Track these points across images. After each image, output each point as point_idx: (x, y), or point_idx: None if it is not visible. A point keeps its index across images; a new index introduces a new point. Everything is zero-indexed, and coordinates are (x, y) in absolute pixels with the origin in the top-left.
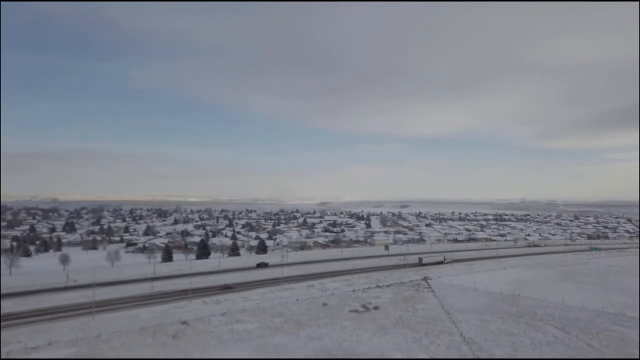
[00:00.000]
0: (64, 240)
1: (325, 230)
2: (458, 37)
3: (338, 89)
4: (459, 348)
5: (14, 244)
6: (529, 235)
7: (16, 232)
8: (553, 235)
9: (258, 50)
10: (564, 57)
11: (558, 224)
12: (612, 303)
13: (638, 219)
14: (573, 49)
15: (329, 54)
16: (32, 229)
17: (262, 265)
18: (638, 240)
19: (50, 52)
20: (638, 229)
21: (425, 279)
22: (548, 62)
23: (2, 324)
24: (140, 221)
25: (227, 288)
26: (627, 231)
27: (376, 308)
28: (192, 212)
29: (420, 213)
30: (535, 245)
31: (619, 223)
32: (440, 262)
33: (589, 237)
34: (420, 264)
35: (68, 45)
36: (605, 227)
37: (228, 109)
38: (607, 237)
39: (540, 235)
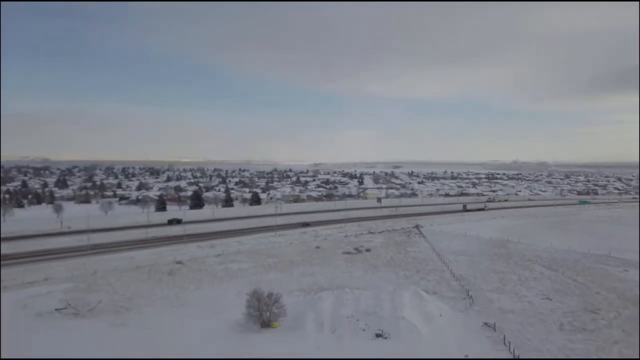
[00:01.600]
0: (56, 195)
1: (318, 187)
2: (456, 3)
3: (334, 52)
4: (449, 283)
5: (7, 196)
6: (519, 191)
7: (8, 187)
8: (544, 192)
9: (255, 14)
10: (560, 23)
11: (549, 182)
12: (599, 247)
13: (628, 178)
14: (570, 15)
15: (326, 19)
16: (24, 184)
17: (173, 222)
18: (627, 196)
19: (44, 14)
20: (627, 186)
21: (416, 226)
22: (544, 27)
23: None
24: (133, 178)
25: (305, 225)
26: (616, 188)
27: (368, 250)
28: (185, 170)
29: (412, 172)
30: (492, 201)
31: (608, 181)
32: (482, 209)
33: (579, 193)
34: (464, 209)
35: (64, 5)
36: (596, 185)
37: (221, 71)
38: (596, 194)
39: (531, 191)
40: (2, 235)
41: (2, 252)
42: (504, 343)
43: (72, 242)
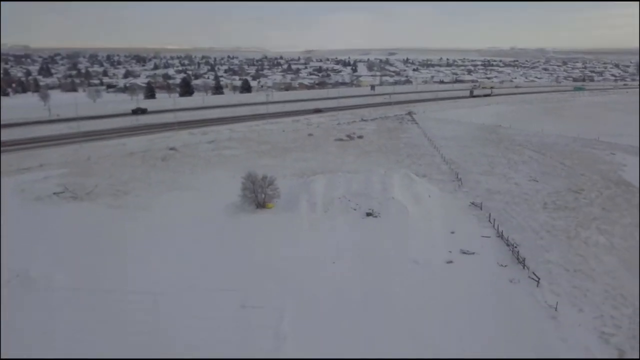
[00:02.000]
0: (41, 83)
1: (311, 74)
2: None
3: None
4: (439, 167)
5: None
6: (515, 78)
7: None
8: (539, 78)
9: None
10: None
11: (545, 69)
12: (590, 132)
13: (626, 64)
14: None
15: None
16: (6, 72)
17: (138, 112)
18: (622, 83)
19: None
20: (623, 73)
21: (409, 113)
22: None
23: None
24: (119, 66)
25: (318, 111)
26: (612, 75)
27: (360, 137)
28: (172, 58)
29: (408, 59)
30: (476, 88)
31: (605, 68)
32: (488, 95)
33: (575, 80)
34: (471, 95)
35: None
36: (592, 71)
37: None
38: (592, 80)
39: (526, 78)
40: None
41: None
42: (489, 220)
43: (62, 130)
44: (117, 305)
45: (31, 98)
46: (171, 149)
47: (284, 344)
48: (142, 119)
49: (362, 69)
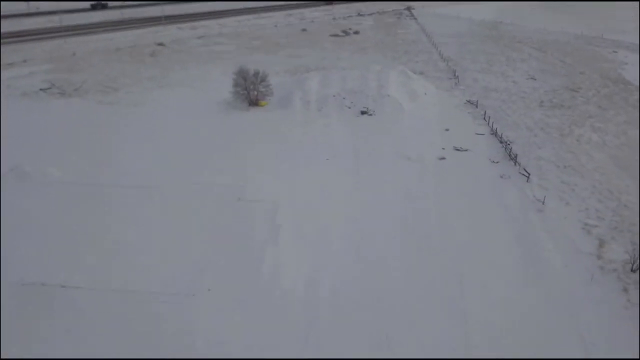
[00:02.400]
0: None
1: None
2: None
3: None
4: (437, 64)
5: None
6: None
7: None
8: None
9: None
10: None
11: None
12: (594, 29)
13: None
14: None
15: None
16: None
17: (97, 7)
18: None
19: None
20: None
21: (408, 8)
22: None
23: None
24: None
25: (329, 3)
26: None
27: (356, 33)
28: None
29: None
30: None
31: None
32: None
33: None
34: None
35: None
36: None
37: None
38: None
39: None
40: None
41: None
42: (484, 118)
43: (44, 24)
44: (112, 198)
45: None
46: (159, 44)
47: (278, 232)
48: (128, 13)
49: None
